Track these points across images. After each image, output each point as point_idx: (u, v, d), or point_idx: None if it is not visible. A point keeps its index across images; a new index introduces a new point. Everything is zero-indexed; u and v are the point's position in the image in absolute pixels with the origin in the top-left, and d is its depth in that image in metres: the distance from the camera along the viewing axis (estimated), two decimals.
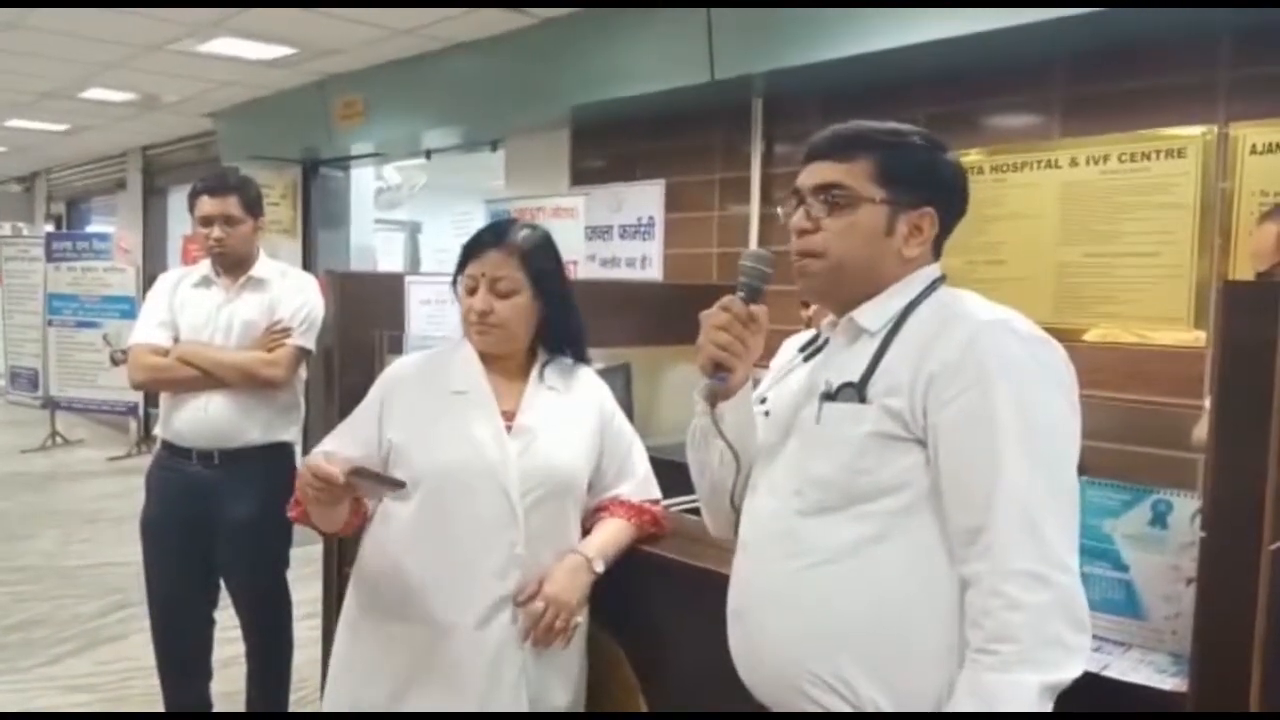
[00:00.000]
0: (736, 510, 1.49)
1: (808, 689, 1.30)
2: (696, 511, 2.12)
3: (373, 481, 1.73)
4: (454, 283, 1.92)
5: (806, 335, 1.57)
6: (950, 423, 1.23)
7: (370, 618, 1.85)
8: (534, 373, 1.92)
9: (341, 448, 1.85)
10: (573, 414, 1.92)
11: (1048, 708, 1.16)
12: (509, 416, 1.85)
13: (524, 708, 1.80)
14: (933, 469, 1.26)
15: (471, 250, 1.87)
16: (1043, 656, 1.16)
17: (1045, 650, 1.16)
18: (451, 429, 1.82)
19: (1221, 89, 3.01)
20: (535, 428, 1.85)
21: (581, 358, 1.99)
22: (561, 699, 1.86)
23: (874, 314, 1.36)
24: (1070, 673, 1.17)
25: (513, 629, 1.79)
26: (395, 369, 1.97)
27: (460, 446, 1.80)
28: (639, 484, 2.00)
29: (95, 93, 6.60)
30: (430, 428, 1.83)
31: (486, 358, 1.90)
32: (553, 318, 1.90)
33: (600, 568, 1.85)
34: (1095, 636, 1.52)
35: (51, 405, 8.33)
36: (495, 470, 1.79)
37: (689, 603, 1.82)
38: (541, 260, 1.88)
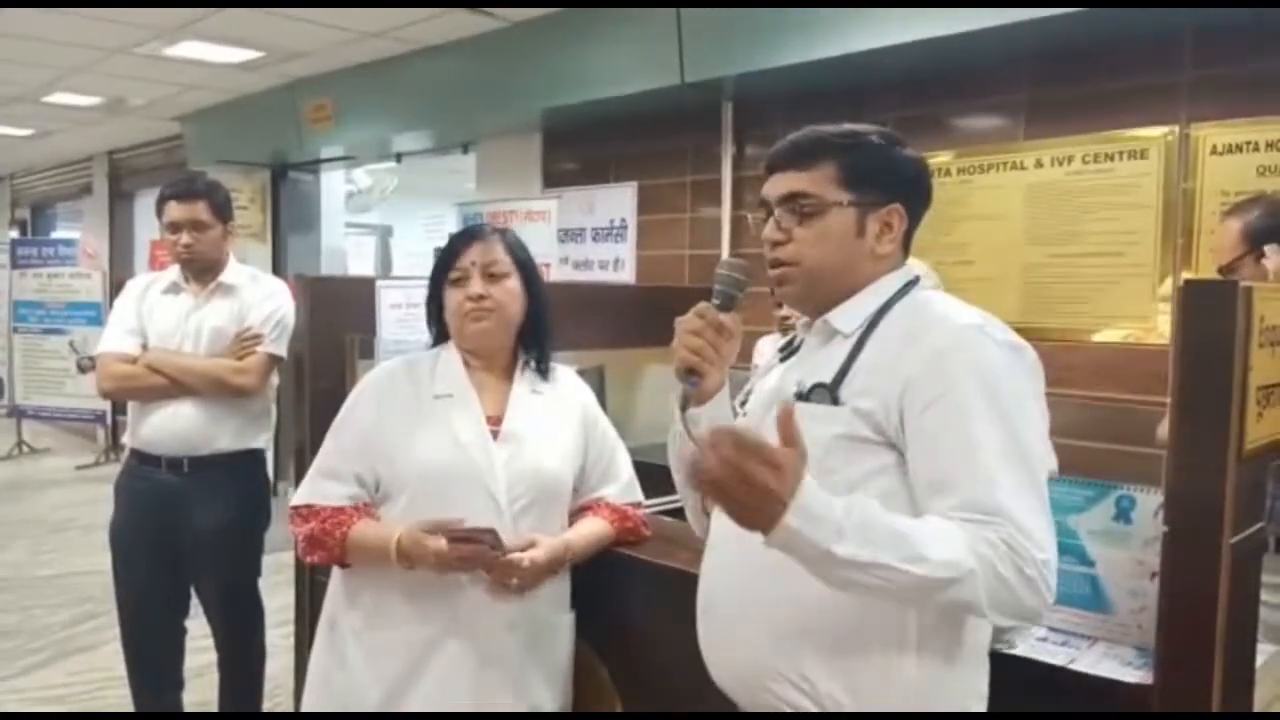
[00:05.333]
0: (709, 515, 1.50)
1: (772, 686, 1.32)
2: (671, 513, 2.14)
3: (466, 538, 1.71)
4: (430, 298, 1.92)
5: (777, 335, 1.58)
6: (929, 426, 1.23)
7: (360, 622, 1.83)
8: (517, 376, 1.92)
9: (343, 458, 1.84)
10: (558, 417, 1.92)
11: (921, 597, 1.16)
12: (494, 421, 1.85)
13: (518, 708, 1.80)
14: (907, 471, 1.26)
15: (455, 246, 1.88)
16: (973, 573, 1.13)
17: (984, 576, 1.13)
18: (436, 433, 1.80)
19: (1182, 91, 3.05)
20: (522, 433, 1.84)
21: (551, 353, 1.99)
22: (550, 699, 1.86)
23: (848, 316, 1.37)
24: (968, 595, 1.13)
25: (505, 633, 1.79)
26: (377, 375, 1.94)
27: (445, 450, 1.79)
28: (623, 487, 2.00)
29: (61, 97, 6.52)
30: (414, 432, 1.81)
31: (469, 362, 1.89)
32: (533, 311, 1.92)
33: (568, 560, 1.87)
34: (1062, 630, 1.56)
35: (17, 414, 8.21)
36: (482, 474, 1.79)
37: (662, 602, 1.83)
38: (523, 250, 1.93)
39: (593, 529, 1.93)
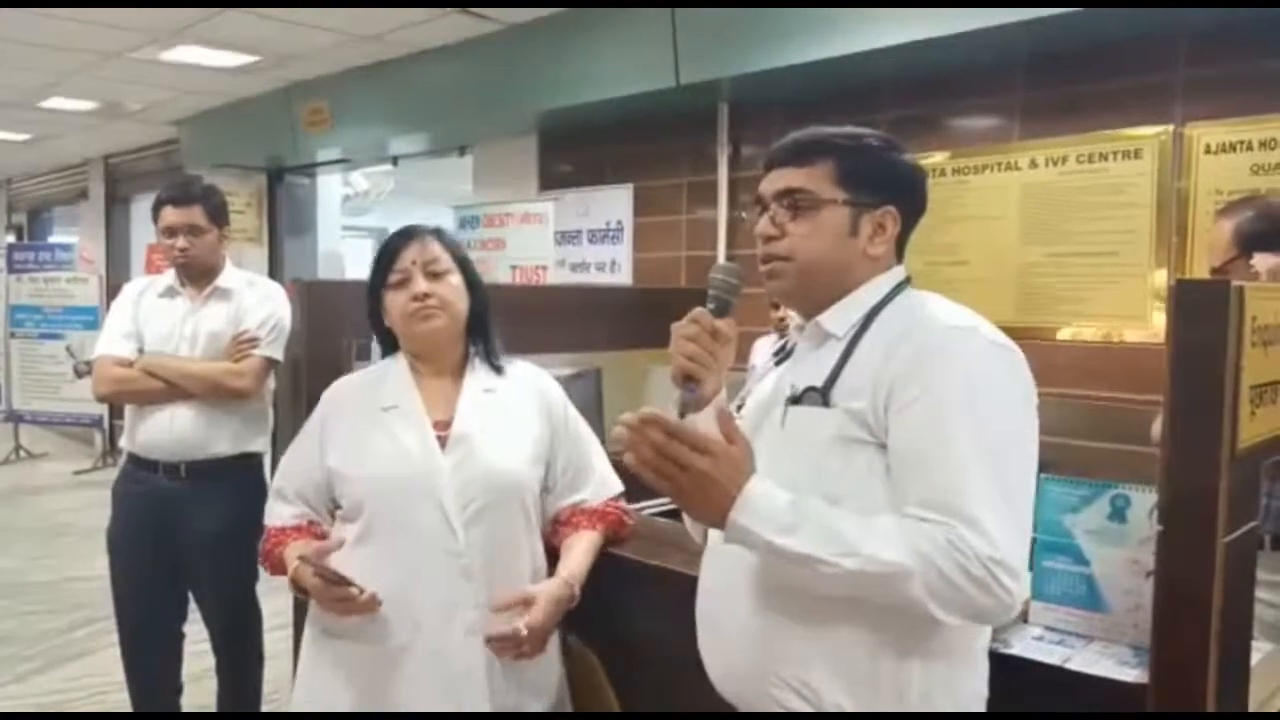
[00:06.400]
0: None
1: (773, 692, 1.32)
2: (667, 514, 2.14)
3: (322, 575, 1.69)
4: (370, 309, 1.89)
5: (775, 336, 1.58)
6: (905, 425, 1.23)
7: (327, 641, 1.80)
8: (468, 376, 1.87)
9: (289, 479, 1.87)
10: (514, 416, 1.86)
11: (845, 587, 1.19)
12: (444, 426, 1.80)
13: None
14: (889, 467, 1.26)
15: (392, 247, 1.85)
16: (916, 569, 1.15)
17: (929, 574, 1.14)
18: (382, 446, 1.78)
19: (1176, 90, 3.07)
20: (472, 435, 1.79)
21: (498, 348, 1.95)
22: (537, 705, 1.84)
23: (839, 318, 1.37)
24: (911, 594, 1.15)
25: (469, 645, 1.73)
26: (332, 392, 1.92)
27: (391, 463, 1.76)
28: (599, 484, 1.96)
29: (57, 102, 6.52)
30: (363, 448, 1.79)
31: (419, 368, 1.86)
32: (476, 308, 1.89)
33: (577, 594, 1.83)
34: (1058, 630, 1.56)
35: (15, 418, 8.21)
36: (427, 483, 1.74)
37: (659, 604, 1.83)
38: (460, 247, 1.91)
39: (584, 546, 1.89)
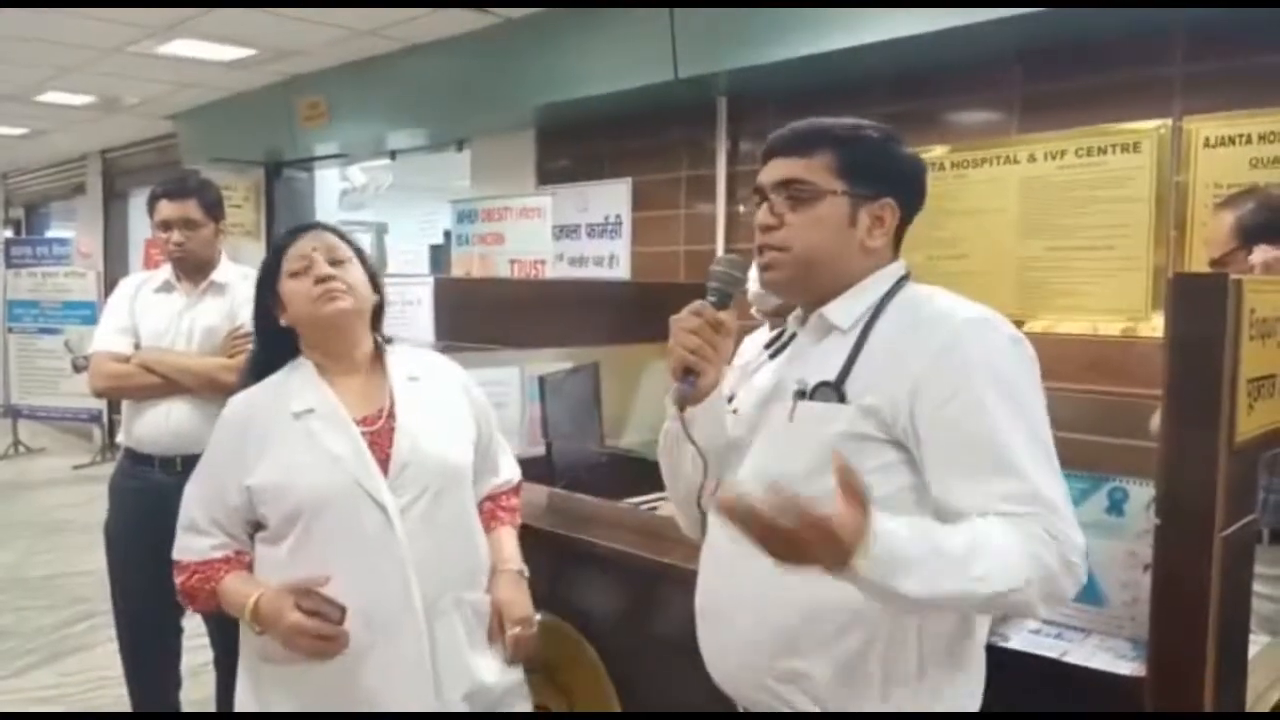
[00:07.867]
0: (704, 512, 1.49)
1: (772, 685, 1.31)
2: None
3: (315, 611, 1.63)
4: (259, 315, 1.84)
5: (766, 332, 1.58)
6: (948, 421, 1.23)
7: (274, 669, 1.71)
8: (390, 369, 1.82)
9: (201, 509, 1.77)
10: (445, 401, 1.84)
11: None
12: (371, 421, 1.74)
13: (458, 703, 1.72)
14: (914, 469, 1.26)
15: (286, 240, 1.80)
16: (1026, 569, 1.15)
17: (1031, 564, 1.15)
18: (308, 454, 1.69)
19: (1175, 84, 3.06)
20: (415, 425, 1.75)
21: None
22: (498, 681, 1.79)
23: (844, 311, 1.36)
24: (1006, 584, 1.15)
25: (420, 643, 1.68)
26: (232, 411, 1.81)
27: (322, 470, 1.68)
28: (509, 464, 1.98)
29: (54, 96, 6.50)
30: (288, 459, 1.69)
31: (328, 368, 1.79)
32: (379, 300, 1.86)
33: (525, 569, 1.85)
34: (1055, 623, 1.56)
35: (13, 413, 8.20)
36: (362, 483, 1.68)
37: (658, 599, 1.84)
38: (354, 239, 1.86)
39: (509, 538, 1.90)
